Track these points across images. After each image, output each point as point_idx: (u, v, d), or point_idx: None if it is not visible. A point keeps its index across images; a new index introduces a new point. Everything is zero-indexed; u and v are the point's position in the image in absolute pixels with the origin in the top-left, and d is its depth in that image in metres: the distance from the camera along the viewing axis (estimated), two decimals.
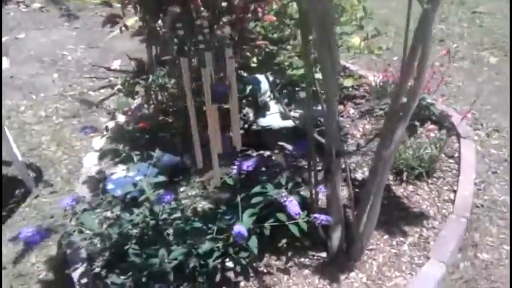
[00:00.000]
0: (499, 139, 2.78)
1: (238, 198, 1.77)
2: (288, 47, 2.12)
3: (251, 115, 2.93)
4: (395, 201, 2.25)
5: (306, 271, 1.93)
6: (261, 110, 2.45)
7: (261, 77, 2.40)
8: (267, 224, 1.74)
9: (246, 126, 2.87)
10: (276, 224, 1.74)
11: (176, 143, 2.56)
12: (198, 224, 1.76)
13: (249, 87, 2.38)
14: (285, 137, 2.55)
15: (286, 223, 1.73)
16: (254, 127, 2.84)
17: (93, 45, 4.18)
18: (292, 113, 2.47)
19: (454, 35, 4.16)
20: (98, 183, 2.44)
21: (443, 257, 1.97)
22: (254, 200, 1.73)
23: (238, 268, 1.81)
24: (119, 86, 3.40)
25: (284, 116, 2.49)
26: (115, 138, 2.76)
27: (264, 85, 2.38)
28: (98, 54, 4.03)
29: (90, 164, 2.57)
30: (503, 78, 3.43)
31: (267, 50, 2.01)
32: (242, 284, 1.89)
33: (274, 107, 2.49)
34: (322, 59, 1.53)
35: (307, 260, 1.98)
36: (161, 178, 2.01)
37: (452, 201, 2.25)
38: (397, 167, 2.39)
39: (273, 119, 2.47)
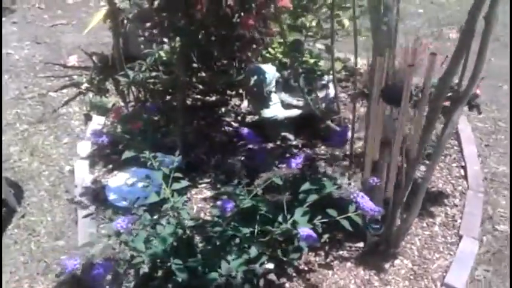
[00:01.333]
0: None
1: (284, 198, 1.66)
2: (310, 33, 2.01)
3: (242, 106, 2.81)
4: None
5: (349, 264, 1.88)
6: (265, 100, 2.33)
7: (265, 67, 2.28)
8: (317, 221, 1.65)
9: (239, 118, 2.75)
10: (326, 220, 1.66)
11: (175, 143, 2.38)
12: (245, 230, 1.63)
13: (253, 78, 2.25)
14: (287, 127, 2.46)
15: (337, 218, 1.66)
16: (248, 119, 2.72)
17: (39, 40, 3.79)
18: (296, 102, 2.39)
19: (412, 14, 4.26)
20: (96, 193, 2.22)
21: (473, 233, 2.00)
22: (309, 199, 1.63)
23: (289, 270, 1.71)
24: (86, 85, 3.12)
25: (286, 106, 2.40)
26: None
27: (269, 75, 2.26)
28: (48, 50, 3.66)
29: (82, 173, 2.31)
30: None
31: (292, 38, 1.89)
32: (287, 285, 1.80)
33: (275, 97, 2.39)
34: (377, 41, 1.46)
35: (345, 252, 1.93)
36: (184, 183, 1.85)
37: (464, 177, 2.30)
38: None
39: (277, 109, 2.37)
